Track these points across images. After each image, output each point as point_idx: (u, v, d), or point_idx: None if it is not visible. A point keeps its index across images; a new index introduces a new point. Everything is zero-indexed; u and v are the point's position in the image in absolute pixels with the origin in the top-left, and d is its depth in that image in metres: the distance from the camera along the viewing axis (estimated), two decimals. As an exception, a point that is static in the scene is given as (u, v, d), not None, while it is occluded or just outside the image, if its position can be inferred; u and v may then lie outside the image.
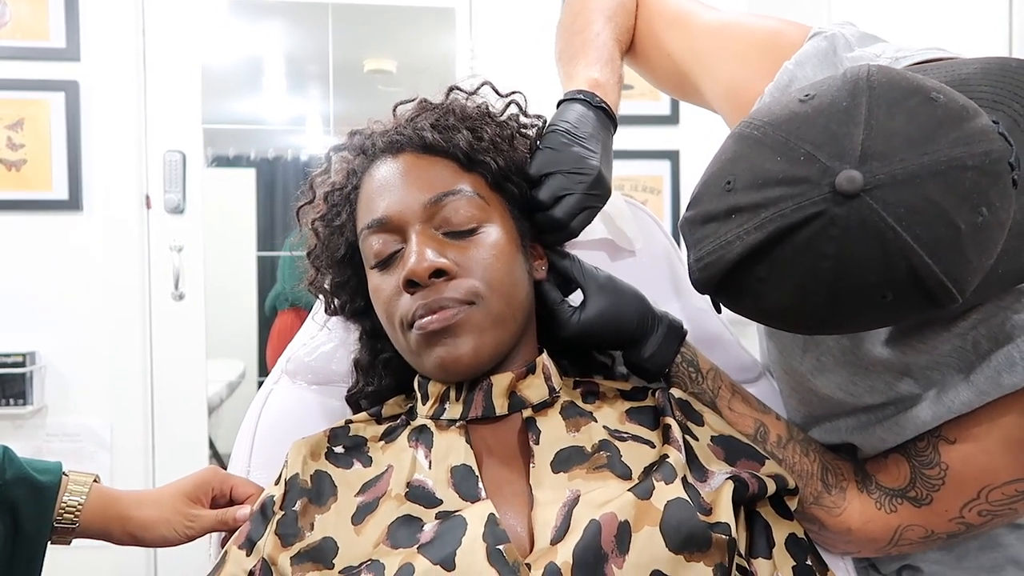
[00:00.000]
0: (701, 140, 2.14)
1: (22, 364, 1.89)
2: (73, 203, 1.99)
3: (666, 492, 0.62)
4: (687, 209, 0.62)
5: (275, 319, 3.39)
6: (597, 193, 0.76)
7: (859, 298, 0.54)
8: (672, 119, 2.13)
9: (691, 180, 2.13)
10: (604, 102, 0.81)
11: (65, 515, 0.70)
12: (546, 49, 2.01)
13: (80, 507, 0.71)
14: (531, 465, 0.68)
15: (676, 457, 0.66)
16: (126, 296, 2.01)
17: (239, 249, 3.57)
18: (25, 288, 1.96)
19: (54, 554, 0.70)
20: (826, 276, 0.53)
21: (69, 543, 0.73)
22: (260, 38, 3.15)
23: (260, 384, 3.10)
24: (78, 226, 1.99)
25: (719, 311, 0.68)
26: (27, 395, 1.89)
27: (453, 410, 0.72)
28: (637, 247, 0.97)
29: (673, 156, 2.14)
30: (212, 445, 2.28)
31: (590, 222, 0.78)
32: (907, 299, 0.53)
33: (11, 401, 1.87)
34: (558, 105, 0.82)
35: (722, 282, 0.59)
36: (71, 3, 1.99)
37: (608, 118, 0.81)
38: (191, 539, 0.74)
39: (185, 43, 2.08)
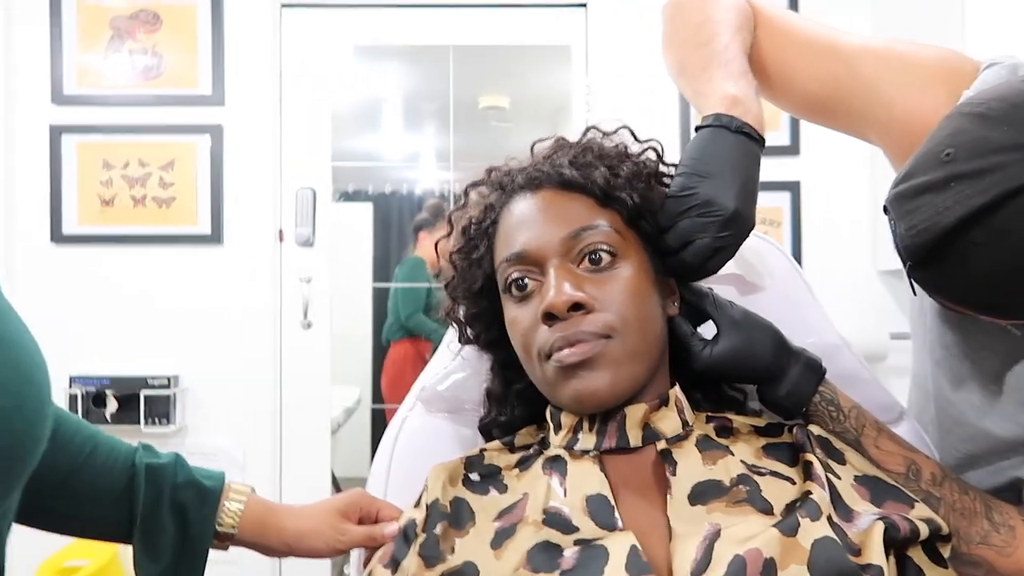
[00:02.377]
0: (823, 170, 2.10)
1: (167, 386, 2.03)
2: (215, 237, 2.14)
3: (813, 530, 0.60)
4: (895, 185, 0.63)
5: (389, 349, 3.50)
6: (731, 232, 0.73)
7: None
8: (792, 149, 2.09)
9: (813, 212, 2.08)
10: (745, 124, 0.76)
11: (226, 520, 0.75)
12: (662, 87, 2.03)
13: (240, 513, 0.75)
14: (668, 496, 0.68)
15: (820, 494, 0.64)
16: (260, 324, 2.14)
17: (356, 280, 3.72)
18: (171, 315, 2.12)
19: None
20: None
21: (227, 548, 0.77)
22: (380, 79, 3.31)
23: (374, 411, 3.21)
24: (219, 258, 2.14)
25: (914, 292, 0.67)
26: (171, 415, 2.03)
27: (586, 440, 0.74)
28: (766, 283, 0.96)
29: (793, 187, 2.09)
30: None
31: (728, 260, 0.77)
32: None
33: (157, 420, 2.01)
34: (696, 131, 0.79)
35: (934, 249, 0.59)
36: (218, 54, 2.16)
37: (752, 139, 0.77)
38: (339, 552, 0.77)
39: (316, 87, 2.21)
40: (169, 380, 2.05)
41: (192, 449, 2.10)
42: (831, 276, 2.04)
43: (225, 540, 0.76)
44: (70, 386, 2.06)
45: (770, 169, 2.08)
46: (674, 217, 0.75)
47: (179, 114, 2.16)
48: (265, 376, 2.13)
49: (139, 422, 2.01)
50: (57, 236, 2.16)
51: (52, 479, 0.68)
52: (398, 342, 3.42)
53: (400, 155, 4.21)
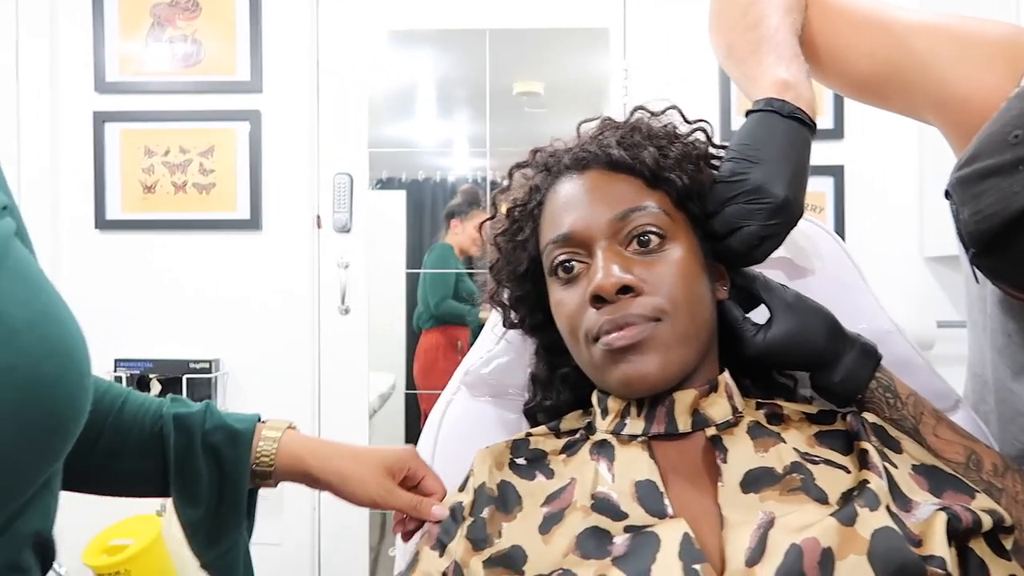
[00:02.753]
0: (868, 155, 2.05)
1: (208, 370, 2.06)
2: (254, 223, 2.16)
3: (871, 519, 0.59)
4: (958, 169, 0.60)
5: (420, 337, 3.51)
6: (780, 221, 0.72)
7: None
8: (836, 133, 2.04)
9: (857, 196, 2.04)
10: (797, 108, 0.75)
11: (261, 459, 0.75)
12: (702, 70, 2.00)
13: (273, 452, 0.75)
14: (719, 484, 0.66)
15: (878, 483, 0.63)
16: (298, 309, 2.16)
17: (391, 267, 3.74)
18: (211, 299, 2.14)
19: None
20: None
21: (274, 486, 0.78)
22: (415, 65, 3.31)
23: (408, 397, 3.22)
24: (257, 244, 2.16)
25: (977, 279, 0.64)
26: (212, 398, 2.06)
27: (634, 425, 0.72)
28: (816, 266, 0.94)
29: (837, 172, 2.05)
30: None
31: (775, 249, 0.75)
32: None
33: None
34: (747, 115, 0.78)
35: (1000, 235, 0.57)
36: (256, 40, 2.17)
37: (804, 124, 0.75)
38: (379, 507, 0.77)
39: (353, 73, 2.21)
40: (210, 364, 2.08)
41: (232, 432, 2.13)
42: (876, 263, 1.98)
43: (266, 479, 0.76)
44: (115, 369, 2.10)
45: (813, 153, 2.06)
46: (722, 203, 0.73)
47: (218, 101, 2.18)
48: (304, 361, 2.15)
49: (181, 405, 2.04)
50: (101, 222, 2.19)
51: (85, 438, 0.68)
52: (429, 330, 3.43)
53: (433, 142, 4.21)
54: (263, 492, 0.79)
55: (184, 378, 2.04)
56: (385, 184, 4.25)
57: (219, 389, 2.09)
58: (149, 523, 2.01)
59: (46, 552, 0.60)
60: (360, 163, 2.21)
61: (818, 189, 2.04)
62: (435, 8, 2.24)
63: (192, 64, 2.20)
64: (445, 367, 2.93)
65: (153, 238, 2.18)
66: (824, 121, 2.00)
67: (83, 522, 2.06)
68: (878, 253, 2.03)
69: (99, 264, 2.19)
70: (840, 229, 2.04)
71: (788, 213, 0.72)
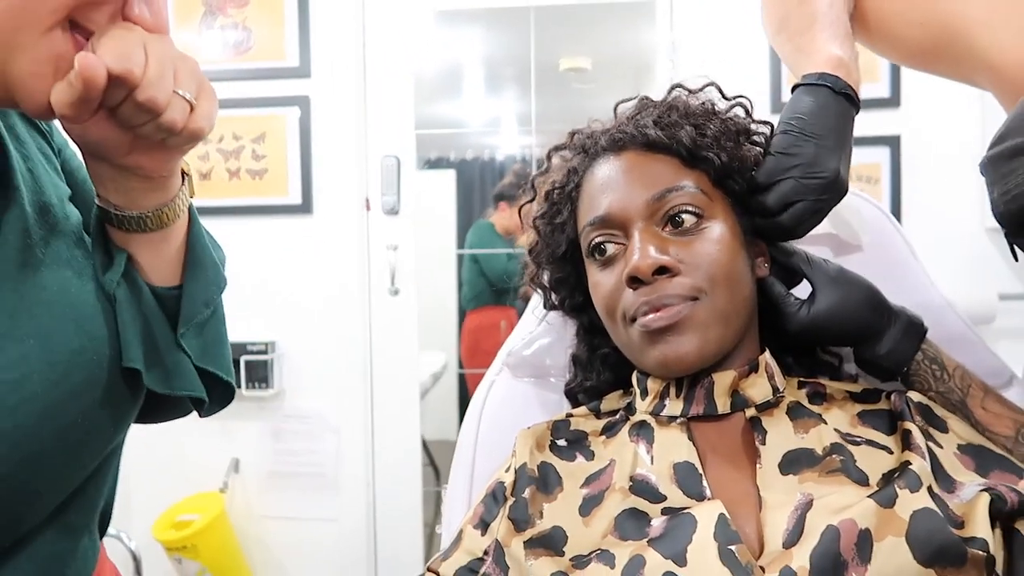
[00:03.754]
0: (926, 123, 1.97)
1: (265, 352, 2.12)
2: (305, 207, 2.20)
3: (911, 501, 0.58)
4: (989, 148, 0.60)
5: (465, 318, 3.54)
6: (829, 196, 0.72)
7: None
8: (892, 102, 1.97)
9: (914, 167, 1.97)
10: (849, 87, 0.75)
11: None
12: (751, 42, 1.95)
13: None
14: (758, 465, 0.66)
15: (920, 464, 0.62)
16: (349, 291, 2.20)
17: (441, 247, 3.77)
18: (266, 283, 2.20)
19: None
20: None
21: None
22: (461, 45, 3.31)
23: (460, 376, 3.26)
24: (309, 228, 2.20)
25: (1016, 258, 0.63)
26: (269, 379, 2.12)
27: (673, 407, 0.73)
28: (864, 241, 0.92)
29: (893, 142, 1.98)
30: (420, 431, 2.44)
31: (818, 223, 0.75)
32: None
33: (256, 384, 2.11)
34: (793, 89, 0.78)
35: None
36: (304, 26, 2.20)
37: (852, 103, 0.76)
38: None
39: (399, 55, 2.22)
40: (267, 346, 2.13)
41: (290, 411, 2.19)
42: (934, 234, 1.93)
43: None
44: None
45: (868, 123, 2.02)
46: (774, 175, 0.73)
47: (269, 87, 2.22)
48: (356, 342, 2.19)
49: (240, 386, 2.11)
50: (160, 209, 2.26)
51: None
52: (473, 311, 3.46)
53: (481, 121, 4.22)
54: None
55: (242, 360, 2.10)
56: (434, 164, 4.29)
57: (275, 370, 2.15)
58: (213, 500, 2.09)
59: (104, 521, 0.64)
60: (407, 145, 2.23)
61: (873, 160, 1.98)
62: (479, -13, 2.23)
63: (243, 51, 2.24)
64: (489, 347, 2.95)
65: (210, 224, 2.22)
66: (879, 89, 1.93)
67: (152, 499, 2.16)
68: (937, 224, 1.96)
69: (160, 250, 2.26)
70: (896, 200, 1.98)
71: (837, 189, 0.73)
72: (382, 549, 2.21)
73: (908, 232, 0.97)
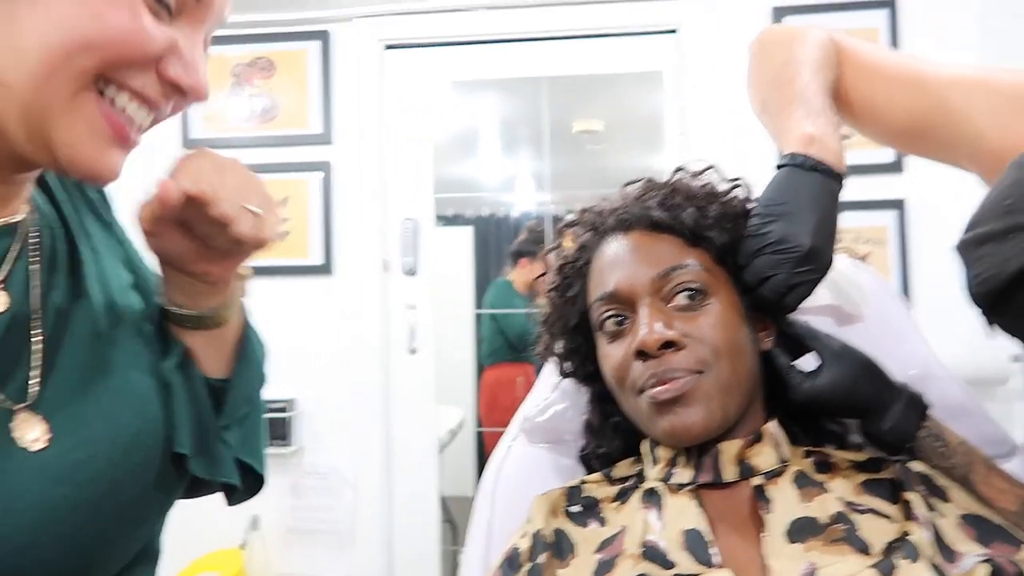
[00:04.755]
0: (930, 187, 2.02)
1: (284, 409, 2.16)
2: (326, 268, 2.27)
3: (911, 572, 0.60)
4: (964, 232, 0.64)
5: (483, 373, 3.56)
6: (808, 269, 0.74)
7: None
8: (896, 167, 2.02)
9: (919, 230, 2.01)
10: (821, 162, 0.77)
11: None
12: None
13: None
14: (763, 534, 0.69)
15: (919, 535, 0.64)
16: (368, 350, 2.24)
17: (458, 304, 3.81)
18: (287, 341, 2.25)
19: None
20: None
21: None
22: (477, 110, 3.42)
23: (478, 433, 3.25)
24: (329, 288, 2.27)
25: (991, 332, 0.67)
26: (288, 437, 2.16)
27: (682, 474, 0.76)
28: (865, 312, 0.95)
29: (899, 205, 2.02)
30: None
31: (806, 297, 0.77)
32: None
33: (275, 442, 2.15)
34: (777, 169, 0.80)
35: (1000, 297, 0.59)
36: (327, 95, 2.30)
37: (831, 176, 0.77)
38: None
39: (418, 122, 2.31)
40: (286, 404, 2.18)
41: (308, 468, 2.22)
42: (943, 296, 1.95)
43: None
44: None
45: (873, 187, 2.07)
46: (750, 256, 0.76)
47: (292, 153, 2.31)
48: (374, 399, 2.23)
49: (260, 443, 2.14)
50: (187, 270, 2.34)
51: None
52: (491, 367, 3.49)
53: (497, 180, 4.31)
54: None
55: (262, 417, 2.14)
56: (451, 221, 4.37)
57: (295, 427, 2.19)
58: (233, 557, 2.11)
59: None
60: (426, 208, 2.30)
61: (879, 223, 2.02)
62: (496, 58, 2.33)
63: (269, 119, 2.34)
64: (506, 403, 2.96)
65: (233, 284, 2.31)
66: (883, 155, 1.98)
67: (173, 556, 2.17)
68: (946, 286, 1.98)
69: (185, 309, 2.33)
70: (904, 263, 2.01)
71: (815, 260, 0.74)
72: (398, 609, 2.21)
73: (917, 294, 1.00)
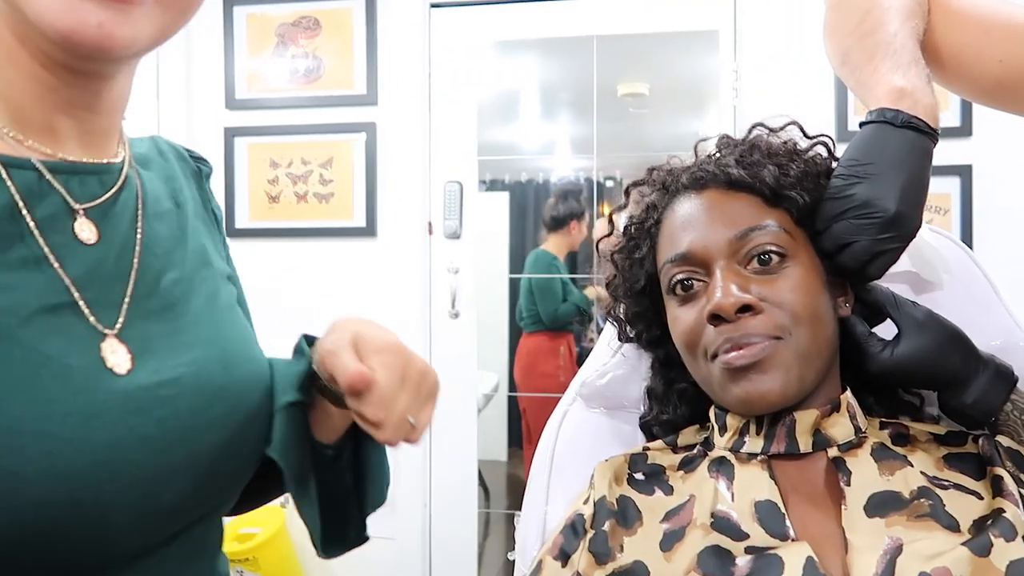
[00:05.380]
0: (999, 152, 1.93)
1: (327, 370, 2.17)
2: (369, 230, 2.26)
3: (1007, 551, 0.57)
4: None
5: (521, 339, 3.55)
6: (891, 235, 0.70)
7: None
8: (963, 131, 1.94)
9: (986, 197, 1.93)
10: (913, 117, 0.72)
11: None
12: (815, 71, 1.94)
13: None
14: (843, 507, 0.66)
15: (1014, 512, 0.61)
16: (411, 313, 2.24)
17: (494, 269, 3.80)
18: (330, 303, 2.26)
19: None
20: None
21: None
22: (520, 72, 3.36)
23: (510, 398, 3.25)
24: (373, 250, 2.26)
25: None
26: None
27: (753, 444, 0.73)
28: (945, 280, 0.91)
29: (964, 171, 1.94)
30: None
31: (892, 264, 0.73)
32: None
33: (319, 402, 2.16)
34: (860, 126, 0.75)
35: None
36: (371, 55, 2.27)
37: (923, 133, 0.72)
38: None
39: (463, 83, 2.27)
40: (329, 364, 2.18)
41: (349, 430, 2.23)
42: (1008, 266, 1.88)
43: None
44: (244, 367, 2.24)
45: (937, 152, 1.97)
46: (829, 220, 0.72)
47: (337, 114, 2.29)
48: (416, 362, 2.23)
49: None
50: (231, 231, 2.35)
51: None
52: (531, 333, 3.47)
53: (537, 145, 4.26)
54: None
55: (306, 377, 2.15)
56: (489, 186, 4.34)
57: (338, 389, 2.20)
58: (274, 514, 2.14)
59: None
60: (470, 171, 2.27)
61: (943, 190, 1.95)
62: (543, 17, 2.27)
63: (313, 80, 2.32)
64: (546, 370, 2.96)
65: (278, 245, 2.32)
66: (949, 119, 1.90)
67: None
68: (1011, 256, 1.91)
69: (230, 270, 2.34)
70: (967, 232, 1.94)
71: (901, 227, 0.70)
72: (436, 566, 2.23)
73: (980, 262, 0.95)
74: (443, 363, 2.25)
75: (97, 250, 0.54)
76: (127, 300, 0.54)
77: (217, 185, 2.33)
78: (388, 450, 0.66)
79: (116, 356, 0.51)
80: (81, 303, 0.51)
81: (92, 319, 0.52)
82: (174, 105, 2.36)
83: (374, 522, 0.84)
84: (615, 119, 3.44)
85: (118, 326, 0.53)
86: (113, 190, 0.57)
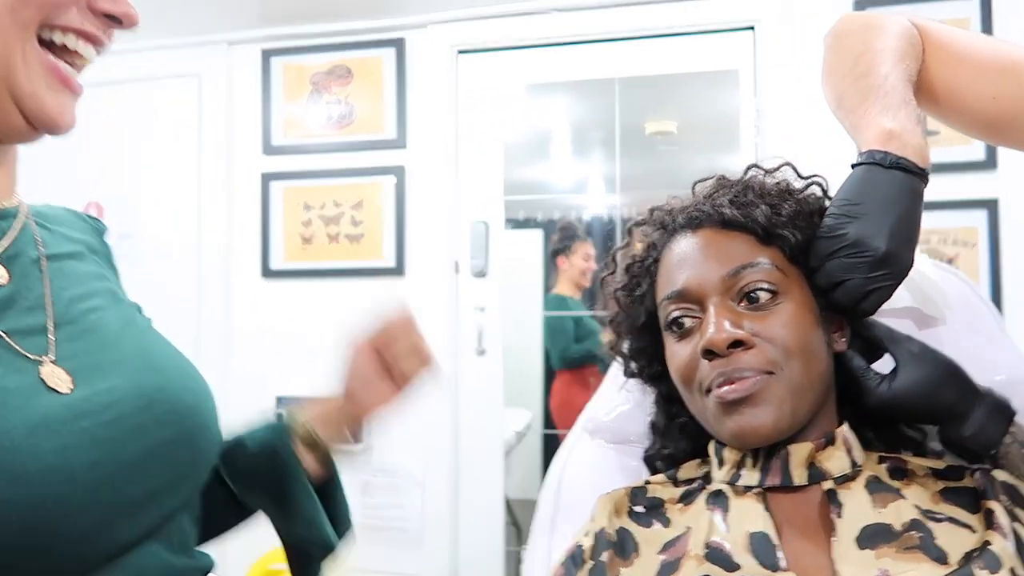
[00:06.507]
0: (1025, 186, 1.92)
1: (357, 407, 2.21)
2: (398, 269, 2.32)
3: (991, 583, 0.58)
4: None
5: (555, 376, 3.56)
6: (883, 273, 0.71)
7: None
8: (988, 164, 1.92)
9: (1013, 230, 1.91)
10: (901, 158, 0.73)
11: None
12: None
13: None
14: (833, 538, 0.67)
15: (1002, 545, 0.61)
16: (437, 350, 2.26)
17: (528, 305, 3.82)
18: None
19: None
20: None
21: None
22: (549, 113, 3.43)
23: (544, 436, 3.26)
24: (401, 289, 2.31)
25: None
26: (358, 435, 2.20)
27: (749, 476, 0.74)
28: (947, 315, 0.91)
29: (991, 205, 1.93)
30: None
31: (884, 301, 0.74)
32: None
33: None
34: (852, 168, 0.77)
35: None
36: (401, 101, 2.35)
37: (911, 173, 0.73)
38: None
39: (490, 126, 2.34)
40: (358, 402, 2.22)
41: (377, 466, 2.27)
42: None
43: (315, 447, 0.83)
44: (277, 405, 2.30)
45: (962, 186, 1.97)
46: (822, 258, 0.74)
47: (367, 158, 2.37)
48: (442, 400, 2.26)
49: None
50: (266, 271, 2.43)
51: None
52: (562, 371, 3.49)
53: (568, 182, 4.31)
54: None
55: (336, 414, 2.19)
56: (521, 224, 4.39)
57: (365, 426, 2.23)
58: (305, 549, 2.17)
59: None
60: (496, 211, 2.32)
61: (969, 224, 1.93)
62: (568, 60, 2.33)
63: (345, 125, 2.40)
64: (579, 404, 2.95)
65: (311, 285, 2.39)
66: (974, 152, 1.90)
67: (246, 548, 2.25)
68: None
69: (264, 309, 2.42)
70: (995, 265, 1.92)
71: (892, 265, 0.71)
72: (465, 607, 2.23)
73: (1010, 298, 0.95)
74: (469, 400, 2.28)
75: (9, 288, 0.58)
76: (51, 329, 0.59)
77: (253, 227, 2.42)
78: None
79: (56, 378, 0.56)
80: (5, 337, 0.55)
81: (20, 349, 0.56)
82: (214, 152, 2.47)
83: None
84: (644, 156, 3.48)
85: (51, 353, 0.57)
86: (13, 234, 0.61)
